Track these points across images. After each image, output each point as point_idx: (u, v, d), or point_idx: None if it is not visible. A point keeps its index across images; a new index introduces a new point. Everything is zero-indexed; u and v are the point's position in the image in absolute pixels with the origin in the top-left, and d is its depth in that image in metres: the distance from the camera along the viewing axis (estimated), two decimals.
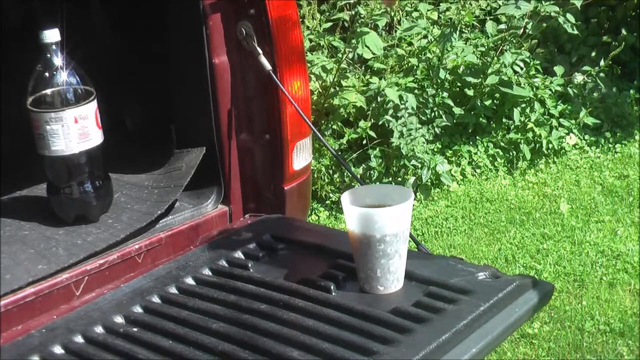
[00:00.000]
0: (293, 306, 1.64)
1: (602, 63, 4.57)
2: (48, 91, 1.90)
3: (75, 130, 1.91)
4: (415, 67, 4.28)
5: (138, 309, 1.72)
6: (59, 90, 1.90)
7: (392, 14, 4.40)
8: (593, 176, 4.22)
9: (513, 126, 4.39)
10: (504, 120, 4.43)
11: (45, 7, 2.46)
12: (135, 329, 1.64)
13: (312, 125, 2.14)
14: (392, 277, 1.67)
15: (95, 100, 1.96)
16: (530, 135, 4.36)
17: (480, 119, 4.38)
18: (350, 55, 4.19)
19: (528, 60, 4.50)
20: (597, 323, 2.95)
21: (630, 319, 2.95)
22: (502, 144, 4.36)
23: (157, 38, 2.26)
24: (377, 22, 4.13)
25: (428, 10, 4.45)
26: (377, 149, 4.04)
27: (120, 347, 1.58)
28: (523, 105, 4.40)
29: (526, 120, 4.38)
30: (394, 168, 4.05)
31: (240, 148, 2.16)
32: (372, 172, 4.00)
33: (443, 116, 4.20)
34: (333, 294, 1.68)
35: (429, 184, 4.08)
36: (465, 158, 4.28)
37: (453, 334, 1.50)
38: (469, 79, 4.26)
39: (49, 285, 1.76)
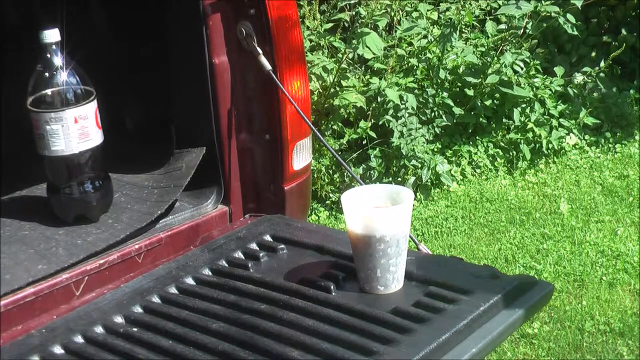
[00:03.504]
0: (293, 306, 1.64)
1: (602, 63, 4.57)
2: (48, 91, 1.90)
3: (75, 130, 1.91)
4: (415, 67, 4.28)
5: (138, 309, 1.72)
6: (59, 90, 1.90)
7: (392, 14, 4.40)
8: (593, 176, 4.22)
9: (513, 126, 4.39)
10: (504, 120, 4.43)
11: (45, 7, 2.46)
12: (135, 329, 1.64)
13: (312, 125, 2.14)
14: (392, 277, 1.67)
15: (95, 100, 1.95)
16: (530, 135, 4.36)
17: (480, 119, 4.38)
18: (351, 56, 4.19)
19: (528, 60, 4.50)
20: (597, 323, 2.95)
21: (630, 319, 2.95)
22: (502, 144, 4.36)
23: (157, 38, 2.26)
24: (377, 23, 4.13)
25: (428, 10, 4.45)
26: (377, 149, 4.04)
27: (120, 347, 1.58)
28: (523, 105, 4.40)
29: (526, 120, 4.38)
30: (394, 168, 4.05)
31: (240, 148, 2.16)
32: (372, 172, 4.00)
33: (443, 116, 4.20)
34: (333, 294, 1.68)
35: (429, 184, 4.08)
36: (465, 158, 4.28)
37: (453, 334, 1.51)
38: (469, 79, 4.26)
39: (49, 285, 1.76)
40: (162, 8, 2.20)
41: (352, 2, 4.27)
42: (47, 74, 1.90)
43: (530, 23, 4.41)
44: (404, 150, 3.95)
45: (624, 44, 4.58)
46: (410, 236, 1.73)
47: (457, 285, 1.65)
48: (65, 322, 1.68)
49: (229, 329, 1.59)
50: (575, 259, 3.40)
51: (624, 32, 5.02)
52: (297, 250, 1.92)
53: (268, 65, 2.07)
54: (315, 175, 3.92)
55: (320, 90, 4.03)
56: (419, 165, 4.01)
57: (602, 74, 4.72)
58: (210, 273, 1.85)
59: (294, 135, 2.14)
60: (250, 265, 1.85)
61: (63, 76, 1.90)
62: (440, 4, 4.67)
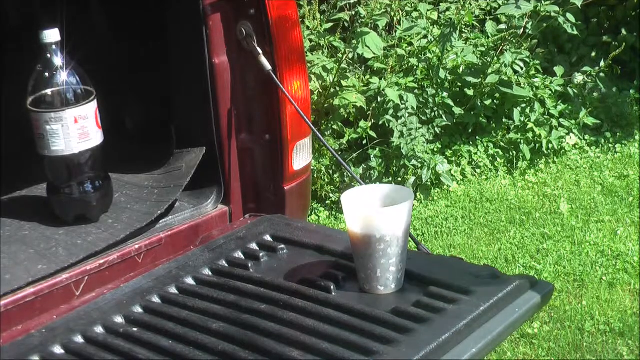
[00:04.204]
0: (293, 306, 1.65)
1: (602, 63, 4.57)
2: (48, 91, 1.90)
3: (75, 130, 1.91)
4: (415, 67, 4.28)
5: (138, 309, 1.72)
6: (59, 90, 1.90)
7: (392, 14, 4.40)
8: (593, 176, 4.22)
9: (513, 126, 4.39)
10: (504, 120, 4.43)
11: (45, 7, 2.46)
12: (135, 329, 1.64)
13: (312, 125, 2.14)
14: (392, 277, 1.67)
15: (95, 100, 1.96)
16: (530, 135, 4.36)
17: (480, 119, 4.38)
18: (351, 56, 4.19)
19: (528, 60, 4.50)
20: (597, 323, 2.95)
21: (630, 319, 2.95)
22: (502, 144, 4.36)
23: (157, 38, 2.26)
24: (377, 23, 4.13)
25: (428, 10, 4.45)
26: (377, 149, 4.04)
27: (120, 347, 1.58)
28: (523, 105, 4.40)
29: (526, 120, 4.38)
30: (394, 168, 4.05)
31: (240, 148, 2.16)
32: (372, 172, 4.00)
33: (443, 116, 4.20)
34: (333, 294, 1.68)
35: (429, 184, 4.08)
36: (465, 158, 4.28)
37: (453, 334, 1.51)
38: (469, 79, 4.26)
39: (49, 285, 1.76)
40: (162, 8, 2.20)
41: (352, 2, 4.27)
42: (47, 74, 1.90)
43: (530, 23, 4.40)
44: (404, 150, 3.95)
45: (624, 44, 4.58)
46: (410, 236, 1.73)
47: (457, 285, 1.65)
48: (65, 322, 1.68)
49: (229, 329, 1.60)
50: (575, 259, 3.40)
51: (624, 32, 5.02)
52: (297, 250, 1.92)
53: (268, 65, 2.07)
54: (315, 175, 3.92)
55: (320, 90, 4.03)
56: (419, 165, 4.01)
57: (602, 74, 4.72)
58: (210, 273, 1.85)
59: (294, 135, 2.14)
60: (250, 265, 1.85)
61: (63, 76, 1.90)
62: (440, 4, 4.67)
